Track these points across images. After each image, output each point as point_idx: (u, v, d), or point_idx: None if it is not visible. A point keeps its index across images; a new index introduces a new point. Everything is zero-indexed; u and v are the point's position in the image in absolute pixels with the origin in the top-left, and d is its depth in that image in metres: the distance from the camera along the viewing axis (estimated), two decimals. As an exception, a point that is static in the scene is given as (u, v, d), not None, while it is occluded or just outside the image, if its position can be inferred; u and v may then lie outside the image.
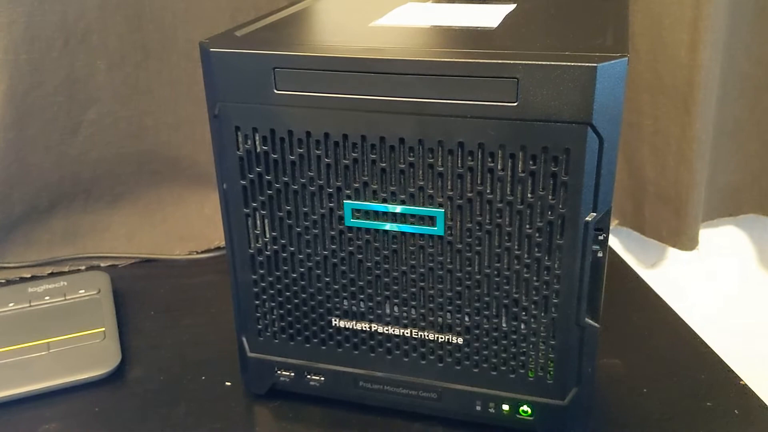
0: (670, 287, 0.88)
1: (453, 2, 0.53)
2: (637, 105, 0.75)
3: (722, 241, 0.88)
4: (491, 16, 0.46)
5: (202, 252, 0.70)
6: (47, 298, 0.59)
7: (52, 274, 0.66)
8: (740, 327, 0.93)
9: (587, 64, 0.35)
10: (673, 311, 0.59)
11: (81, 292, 0.60)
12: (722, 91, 0.75)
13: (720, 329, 0.92)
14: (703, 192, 0.76)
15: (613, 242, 0.84)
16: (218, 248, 0.70)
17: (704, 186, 0.76)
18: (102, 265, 0.68)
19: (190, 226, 0.71)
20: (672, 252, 0.86)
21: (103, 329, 0.55)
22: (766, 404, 0.48)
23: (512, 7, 0.49)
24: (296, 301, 0.46)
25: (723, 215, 0.83)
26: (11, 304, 0.58)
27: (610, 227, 0.39)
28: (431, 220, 0.41)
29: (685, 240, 0.77)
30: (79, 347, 0.53)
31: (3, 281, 0.65)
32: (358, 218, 0.42)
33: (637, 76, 0.74)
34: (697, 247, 0.77)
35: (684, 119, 0.72)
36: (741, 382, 0.50)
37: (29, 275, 0.66)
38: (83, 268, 0.68)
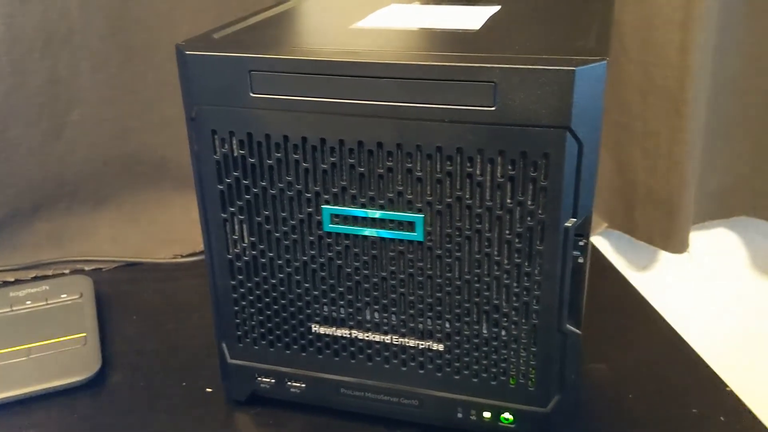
0: (661, 290, 0.88)
1: (438, 4, 0.52)
2: (627, 106, 0.74)
3: (713, 243, 0.87)
4: (475, 18, 0.46)
5: (187, 255, 0.69)
6: (29, 302, 0.58)
7: (35, 278, 0.66)
8: (730, 331, 0.92)
9: (565, 68, 0.34)
10: (661, 315, 0.58)
11: (63, 296, 0.59)
12: (713, 92, 0.74)
13: (710, 333, 0.92)
14: (694, 194, 0.76)
15: (603, 245, 0.83)
16: (203, 252, 0.69)
17: (695, 188, 0.76)
18: (86, 268, 0.67)
19: (175, 229, 0.71)
20: (662, 255, 0.86)
21: (85, 334, 0.55)
22: (752, 411, 0.47)
23: (497, 9, 0.49)
24: (276, 307, 0.45)
25: (714, 217, 0.82)
26: (-8, 309, 0.58)
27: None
28: (410, 226, 0.40)
29: (676, 243, 0.76)
30: (60, 353, 0.53)
31: (-15, 285, 0.65)
32: (336, 223, 0.41)
33: (626, 77, 0.73)
34: (688, 250, 0.77)
35: (674, 121, 0.72)
36: (727, 389, 0.49)
37: (12, 279, 0.65)
38: (67, 271, 0.67)
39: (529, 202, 0.38)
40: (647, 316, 0.58)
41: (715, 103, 0.75)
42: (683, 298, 0.89)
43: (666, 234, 0.76)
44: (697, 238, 0.85)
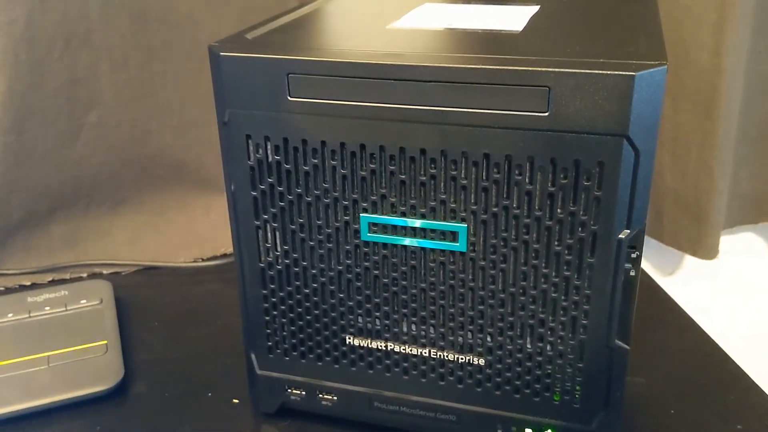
0: (689, 297, 0.86)
1: (472, 3, 0.50)
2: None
3: (744, 249, 0.85)
4: (515, 19, 0.44)
5: (208, 259, 0.68)
6: (47, 308, 0.57)
7: (53, 282, 0.64)
8: (763, 340, 0.90)
9: (624, 73, 0.33)
10: (699, 326, 0.56)
11: (82, 302, 0.58)
12: (746, 95, 0.72)
13: (742, 342, 0.90)
14: (725, 199, 0.74)
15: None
16: (225, 255, 0.68)
17: (725, 193, 0.74)
18: (104, 272, 0.66)
19: (195, 232, 0.69)
20: (691, 260, 0.84)
21: (106, 342, 0.53)
22: (800, 427, 0.46)
23: (536, 8, 0.47)
24: (308, 317, 0.43)
25: (745, 223, 0.80)
26: (10, 315, 0.56)
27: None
28: (453, 236, 0.38)
29: (706, 248, 0.74)
30: (81, 361, 0.51)
31: (2, 289, 0.63)
32: (375, 232, 0.40)
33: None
34: (718, 256, 0.75)
35: (705, 125, 0.70)
36: (772, 404, 0.48)
37: (29, 283, 0.64)
38: (85, 275, 0.65)
39: (581, 213, 0.36)
40: (683, 326, 0.57)
41: (747, 106, 0.73)
42: (711, 306, 0.88)
43: (695, 239, 0.75)
44: (727, 243, 0.84)
